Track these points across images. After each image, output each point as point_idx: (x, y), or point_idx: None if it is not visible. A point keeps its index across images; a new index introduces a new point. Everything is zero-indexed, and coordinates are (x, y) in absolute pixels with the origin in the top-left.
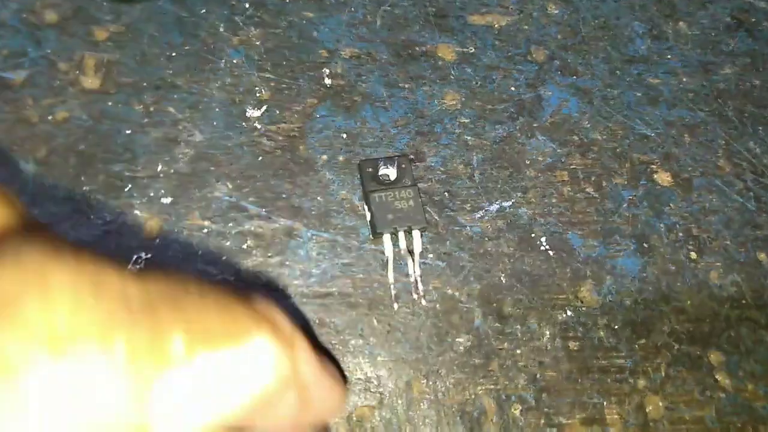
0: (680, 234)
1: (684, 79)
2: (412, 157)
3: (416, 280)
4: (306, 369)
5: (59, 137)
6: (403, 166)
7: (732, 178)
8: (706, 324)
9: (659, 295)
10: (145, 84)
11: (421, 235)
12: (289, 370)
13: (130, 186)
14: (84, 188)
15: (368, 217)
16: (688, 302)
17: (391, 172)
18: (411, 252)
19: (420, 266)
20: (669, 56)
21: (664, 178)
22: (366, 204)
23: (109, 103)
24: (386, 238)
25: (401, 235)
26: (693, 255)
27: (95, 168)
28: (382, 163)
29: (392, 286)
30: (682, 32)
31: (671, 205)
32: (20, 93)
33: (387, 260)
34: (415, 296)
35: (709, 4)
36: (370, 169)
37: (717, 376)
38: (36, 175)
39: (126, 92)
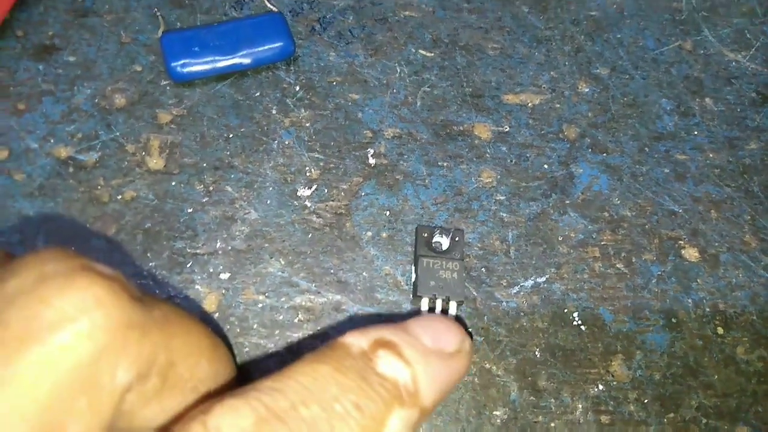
0: (707, 309)
1: (710, 155)
2: (463, 230)
3: None
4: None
5: (127, 215)
6: (457, 239)
7: (758, 253)
8: (734, 399)
9: (687, 369)
10: (205, 164)
11: (457, 308)
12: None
13: (191, 262)
14: (150, 264)
15: (413, 278)
16: (716, 377)
17: (444, 242)
18: None
19: None
20: (696, 132)
21: (691, 253)
22: (414, 266)
23: (173, 183)
24: (424, 301)
25: (439, 302)
26: (720, 330)
27: (160, 245)
28: (438, 231)
29: None
30: (709, 108)
31: (698, 280)
32: (92, 174)
33: None
34: None
35: (735, 80)
36: (426, 235)
37: None
38: (107, 251)
39: (188, 172)
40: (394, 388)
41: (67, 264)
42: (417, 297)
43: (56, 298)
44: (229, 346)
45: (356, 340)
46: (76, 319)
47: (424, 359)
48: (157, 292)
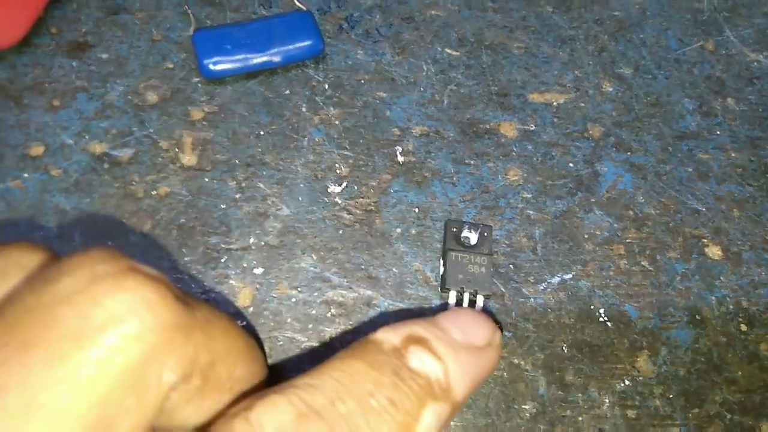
0: (731, 306)
1: (732, 155)
2: (491, 226)
3: None
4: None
5: (162, 211)
6: (485, 234)
7: None
8: (758, 395)
9: (711, 366)
10: (237, 161)
11: (485, 302)
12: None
13: (225, 258)
14: (185, 259)
15: (441, 271)
16: (740, 373)
17: (473, 237)
18: None
19: None
20: (718, 132)
21: (714, 251)
22: (443, 259)
23: (206, 180)
24: (452, 294)
25: (466, 296)
26: (743, 327)
27: (195, 240)
28: (467, 226)
29: None
30: (731, 108)
31: (722, 278)
32: (127, 170)
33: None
34: None
35: (756, 80)
36: (455, 230)
37: None
38: (143, 246)
39: (220, 169)
40: (426, 384)
41: (116, 265)
42: (445, 290)
43: (107, 299)
44: (261, 347)
45: (388, 337)
46: (126, 320)
47: (455, 354)
48: (193, 287)
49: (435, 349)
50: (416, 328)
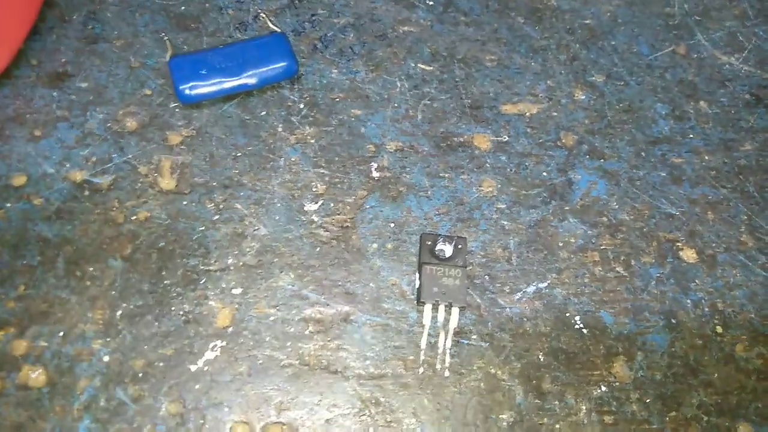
0: (706, 309)
1: (706, 158)
2: (466, 238)
3: (445, 352)
4: None
5: (142, 235)
6: (459, 246)
7: (755, 252)
8: (734, 396)
9: (688, 369)
10: (215, 183)
11: (459, 314)
12: None
13: (204, 279)
14: (165, 282)
15: (417, 285)
16: (716, 375)
17: (447, 249)
18: (446, 326)
19: (452, 341)
20: (691, 135)
21: (689, 255)
22: (418, 273)
23: (184, 203)
24: (427, 307)
25: (441, 308)
26: (719, 329)
27: (174, 263)
28: (441, 239)
29: (422, 352)
30: (703, 111)
31: (697, 281)
32: (107, 196)
33: (424, 328)
34: (438, 366)
35: (729, 82)
36: (429, 243)
37: None
38: (123, 270)
39: (198, 192)
40: None
41: None
42: (421, 303)
43: None
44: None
45: None
46: None
47: None
48: (173, 309)
49: None
50: None
